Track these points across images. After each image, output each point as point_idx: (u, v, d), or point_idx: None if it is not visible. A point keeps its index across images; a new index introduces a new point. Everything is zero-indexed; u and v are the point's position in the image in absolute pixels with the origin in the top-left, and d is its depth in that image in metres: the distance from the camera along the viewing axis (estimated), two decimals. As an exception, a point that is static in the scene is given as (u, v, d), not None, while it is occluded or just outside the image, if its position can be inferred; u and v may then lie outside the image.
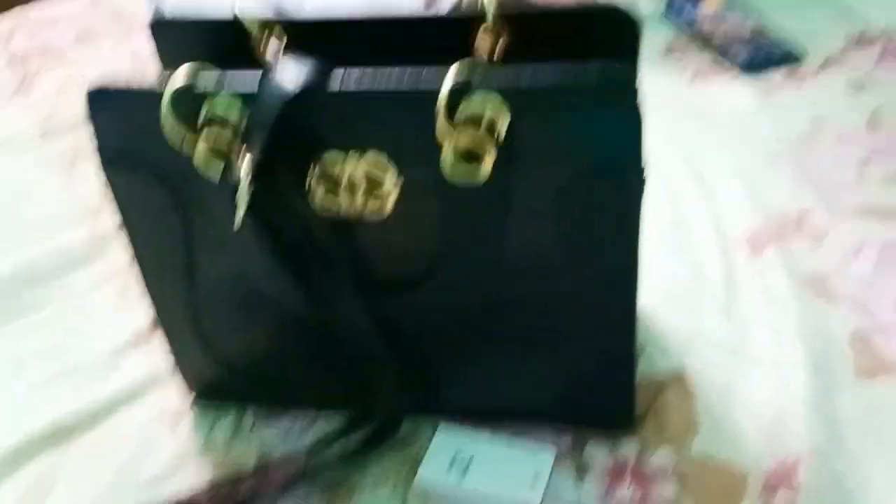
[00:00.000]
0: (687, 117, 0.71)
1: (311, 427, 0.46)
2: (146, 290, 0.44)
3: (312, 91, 0.35)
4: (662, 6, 0.85)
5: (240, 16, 0.41)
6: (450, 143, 0.33)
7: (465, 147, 0.34)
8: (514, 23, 0.39)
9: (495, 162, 0.34)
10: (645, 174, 0.36)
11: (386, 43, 0.40)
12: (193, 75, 0.36)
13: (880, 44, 0.78)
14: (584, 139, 0.34)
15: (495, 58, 0.40)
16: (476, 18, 0.39)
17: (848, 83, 0.73)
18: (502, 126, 0.34)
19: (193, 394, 0.49)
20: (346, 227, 0.38)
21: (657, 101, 0.72)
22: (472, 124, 0.33)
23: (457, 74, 0.32)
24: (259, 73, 0.36)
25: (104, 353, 0.52)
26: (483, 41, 0.40)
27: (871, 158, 0.64)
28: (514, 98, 0.33)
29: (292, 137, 0.36)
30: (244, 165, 0.34)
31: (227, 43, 0.41)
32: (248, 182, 0.34)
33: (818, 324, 0.49)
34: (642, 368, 0.48)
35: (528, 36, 0.40)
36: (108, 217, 0.61)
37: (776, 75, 0.75)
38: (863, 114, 0.69)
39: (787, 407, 0.44)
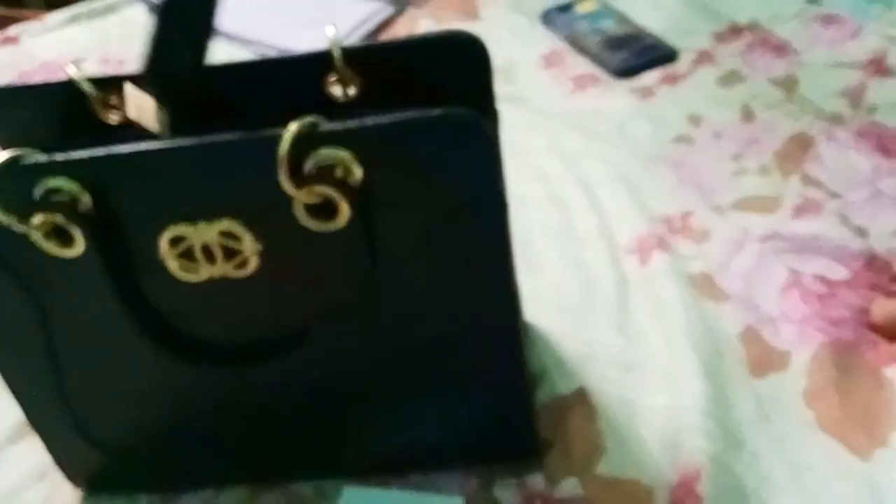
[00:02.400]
0: (569, 128, 0.71)
1: (208, 506, 0.44)
2: (10, 389, 0.41)
3: (150, 160, 0.33)
4: (539, 16, 0.86)
5: (75, 79, 0.38)
6: (299, 200, 0.32)
7: (316, 202, 0.32)
8: (364, 62, 0.39)
9: (355, 209, 0.33)
10: (506, 205, 0.36)
11: (238, 90, 0.39)
12: (20, 156, 0.33)
13: (747, 36, 0.80)
14: (439, 182, 0.33)
15: (348, 100, 0.39)
16: (327, 60, 0.38)
17: (719, 79, 0.75)
18: (354, 176, 0.33)
19: (81, 490, 0.46)
20: (209, 296, 0.36)
21: (539, 113, 0.74)
22: (322, 177, 0.32)
23: (296, 132, 0.31)
24: (92, 147, 0.34)
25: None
26: (333, 86, 0.39)
27: (745, 152, 0.65)
28: (361, 150, 0.32)
29: (135, 211, 0.34)
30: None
31: (66, 108, 0.39)
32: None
33: (708, 326, 0.50)
34: (544, 392, 0.48)
35: (380, 73, 0.39)
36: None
37: (651, 77, 0.76)
38: (735, 108, 0.71)
39: (685, 417, 0.45)
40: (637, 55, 0.79)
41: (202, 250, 0.35)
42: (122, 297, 0.36)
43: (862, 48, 0.76)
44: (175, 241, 0.34)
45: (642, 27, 0.82)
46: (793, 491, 0.41)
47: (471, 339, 0.39)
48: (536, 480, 0.43)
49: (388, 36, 0.85)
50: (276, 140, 0.31)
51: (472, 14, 0.87)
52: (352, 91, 0.39)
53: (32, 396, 0.42)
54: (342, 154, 0.32)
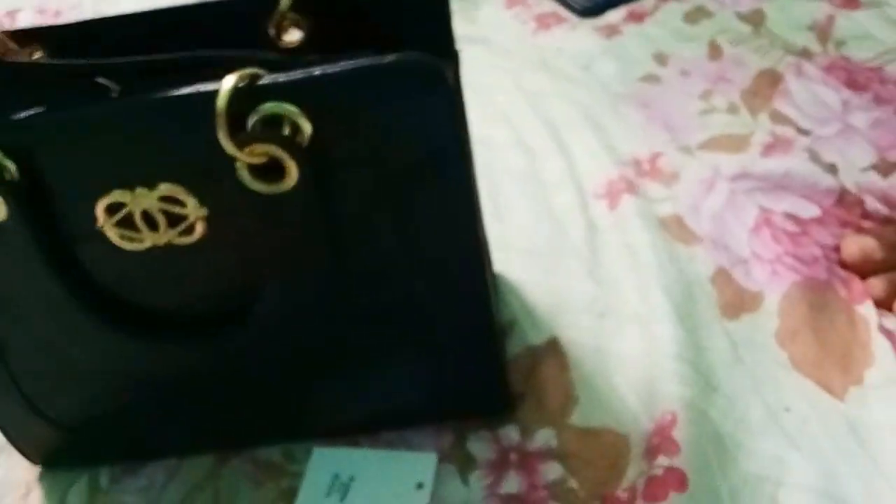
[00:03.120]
0: (533, 68, 0.69)
1: (172, 479, 0.43)
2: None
3: (77, 123, 0.30)
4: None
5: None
6: (242, 161, 0.30)
7: (261, 162, 0.30)
8: (312, 4, 0.36)
9: (305, 169, 0.31)
10: (470, 155, 0.34)
11: (169, 39, 0.36)
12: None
13: (712, -31, 0.78)
14: (397, 134, 0.31)
15: (293, 47, 0.36)
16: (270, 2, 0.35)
17: (685, 14, 0.73)
18: (303, 132, 0.30)
19: (39, 465, 0.44)
20: (155, 266, 0.34)
21: (502, 54, 0.71)
22: (266, 135, 0.30)
23: (234, 86, 0.28)
24: (16, 110, 0.31)
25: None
26: (278, 32, 0.36)
27: (713, 89, 0.64)
28: (309, 103, 0.30)
29: (65, 178, 0.31)
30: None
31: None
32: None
33: (679, 269, 0.49)
34: (515, 343, 0.47)
35: (329, 15, 0.36)
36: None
37: (616, 15, 0.74)
38: (702, 44, 0.69)
39: (659, 363, 0.44)
40: (601, -7, 0.76)
41: (143, 217, 0.32)
42: (57, 270, 0.33)
43: (830, -22, 0.74)
44: (112, 209, 0.32)
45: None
46: (770, 432, 0.41)
47: (438, 296, 0.37)
48: (510, 433, 0.42)
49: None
50: (212, 95, 0.28)
51: (429, -47, 0.83)
52: (297, 37, 0.36)
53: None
54: (288, 108, 0.30)
